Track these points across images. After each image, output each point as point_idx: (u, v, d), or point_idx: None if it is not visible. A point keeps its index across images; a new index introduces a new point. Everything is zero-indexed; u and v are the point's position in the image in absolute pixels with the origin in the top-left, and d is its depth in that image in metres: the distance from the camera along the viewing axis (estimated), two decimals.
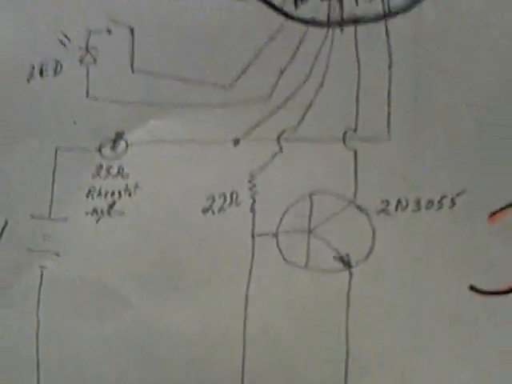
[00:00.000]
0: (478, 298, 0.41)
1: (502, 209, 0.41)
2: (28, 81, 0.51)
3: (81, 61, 0.49)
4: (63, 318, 0.48)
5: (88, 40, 0.49)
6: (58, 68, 0.50)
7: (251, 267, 0.44)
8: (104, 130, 0.48)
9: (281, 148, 0.45)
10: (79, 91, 0.49)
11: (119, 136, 0.48)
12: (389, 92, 0.43)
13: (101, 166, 0.48)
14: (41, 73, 0.50)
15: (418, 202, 0.42)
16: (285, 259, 0.44)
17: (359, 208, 0.43)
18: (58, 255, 0.49)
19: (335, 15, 0.44)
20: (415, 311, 0.41)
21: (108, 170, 0.48)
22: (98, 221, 0.48)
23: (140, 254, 0.47)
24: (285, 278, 0.44)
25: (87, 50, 0.49)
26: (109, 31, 0.49)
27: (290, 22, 0.45)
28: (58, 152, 0.49)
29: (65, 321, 0.48)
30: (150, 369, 0.46)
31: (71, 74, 0.50)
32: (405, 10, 0.43)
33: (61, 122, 0.49)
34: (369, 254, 0.42)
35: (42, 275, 0.49)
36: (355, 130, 0.43)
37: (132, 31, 0.48)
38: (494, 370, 0.40)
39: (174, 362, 0.45)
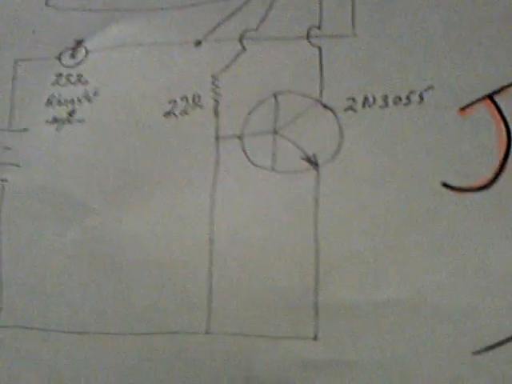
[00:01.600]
0: (450, 194, 0.39)
1: (472, 103, 0.40)
2: None
3: None
4: (26, 230, 0.46)
5: None
6: None
7: (216, 171, 0.43)
8: (63, 39, 0.47)
9: (243, 47, 0.43)
10: (38, 1, 0.47)
11: (79, 43, 0.46)
12: None
13: (60, 75, 0.47)
14: None
15: (385, 98, 0.41)
16: (250, 161, 0.42)
17: (325, 106, 0.41)
18: (18, 167, 0.46)
19: None
20: (386, 210, 0.40)
21: (68, 78, 0.46)
22: (58, 129, 0.46)
23: (102, 161, 0.45)
24: (251, 180, 0.42)
25: None
26: None
27: None
28: (18, 63, 0.47)
29: (27, 233, 0.46)
30: (115, 277, 0.44)
31: None
32: None
33: (19, 32, 0.48)
34: (336, 152, 0.41)
35: (2, 188, 0.47)
36: (319, 27, 0.42)
37: None
38: (468, 267, 0.39)
39: (139, 269, 0.43)
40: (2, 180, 0.47)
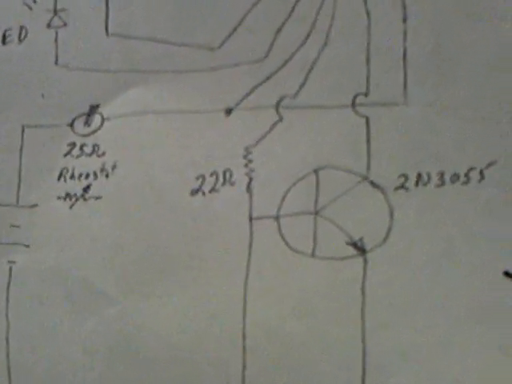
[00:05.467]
0: None
1: None
2: None
3: (48, 25, 0.43)
4: (36, 319, 0.42)
5: (56, 1, 0.44)
6: (23, 34, 0.44)
7: (249, 257, 0.39)
8: (76, 103, 0.43)
9: (280, 117, 0.39)
10: (47, 59, 0.44)
11: (93, 109, 0.42)
12: (404, 49, 0.37)
13: (73, 144, 0.43)
14: (3, 40, 0.45)
15: (441, 176, 0.36)
16: (288, 246, 0.38)
17: (373, 184, 0.37)
18: (27, 247, 0.43)
19: None
20: (441, 301, 0.36)
21: (82, 149, 0.42)
22: (71, 206, 0.42)
23: (121, 244, 0.41)
24: (289, 268, 0.38)
25: (55, 12, 0.43)
26: None
27: None
28: (25, 130, 0.44)
29: (38, 322, 0.42)
30: (137, 374, 0.40)
31: (38, 40, 0.44)
32: None
33: (27, 95, 0.44)
34: (386, 237, 0.37)
35: (10, 271, 0.43)
36: (366, 93, 0.38)
37: None
38: None
39: (164, 367, 0.39)
40: (9, 261, 0.43)
